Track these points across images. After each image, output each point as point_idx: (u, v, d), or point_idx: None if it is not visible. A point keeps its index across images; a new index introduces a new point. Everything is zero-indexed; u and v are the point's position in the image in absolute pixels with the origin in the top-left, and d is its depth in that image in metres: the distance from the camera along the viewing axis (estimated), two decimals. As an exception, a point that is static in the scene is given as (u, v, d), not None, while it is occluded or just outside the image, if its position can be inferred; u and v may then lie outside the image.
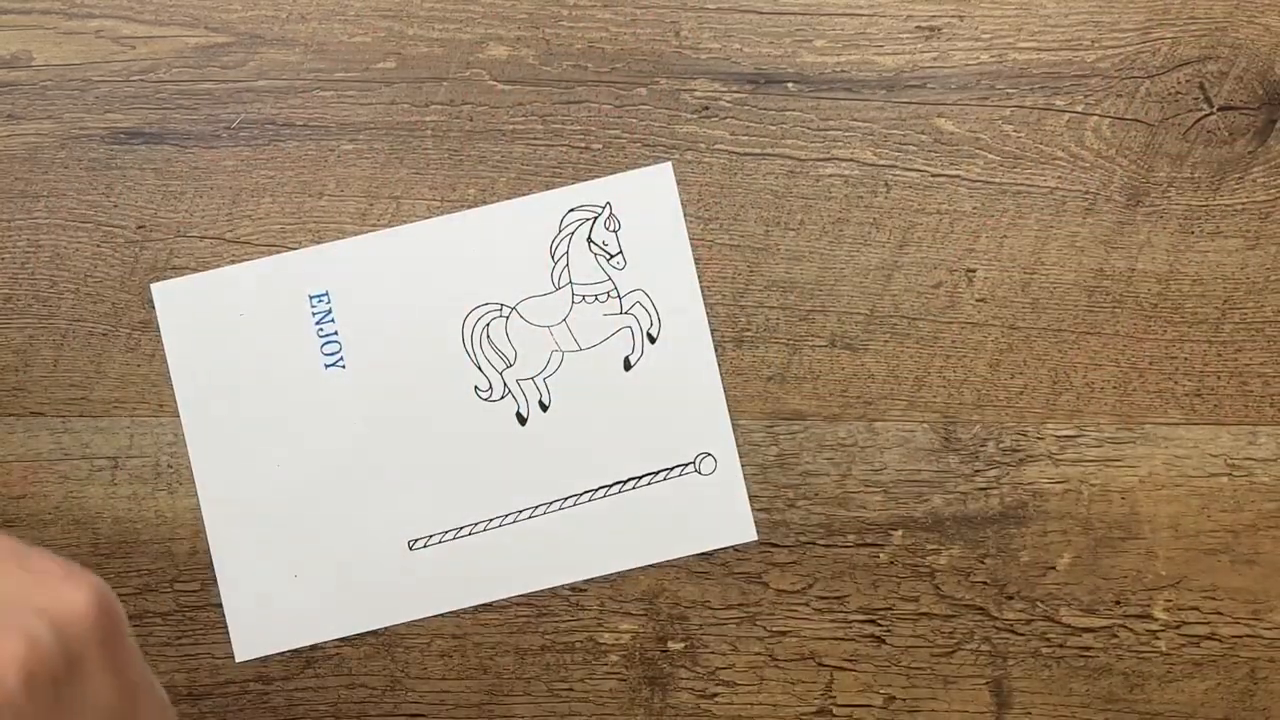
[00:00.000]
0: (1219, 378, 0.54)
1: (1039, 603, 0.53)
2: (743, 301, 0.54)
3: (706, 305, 0.54)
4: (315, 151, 0.54)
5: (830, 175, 0.54)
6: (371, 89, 0.54)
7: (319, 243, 0.54)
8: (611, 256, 0.54)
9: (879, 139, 0.54)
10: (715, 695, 0.53)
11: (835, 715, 0.53)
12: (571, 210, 0.54)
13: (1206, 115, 0.54)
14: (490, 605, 0.53)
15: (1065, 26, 0.54)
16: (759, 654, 0.53)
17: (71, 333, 0.54)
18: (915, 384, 0.54)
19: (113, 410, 0.54)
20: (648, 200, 0.54)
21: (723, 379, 0.54)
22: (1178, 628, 0.53)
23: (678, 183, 0.54)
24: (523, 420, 0.54)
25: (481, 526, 0.53)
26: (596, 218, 0.54)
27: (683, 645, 0.53)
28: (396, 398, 0.54)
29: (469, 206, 0.54)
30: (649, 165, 0.54)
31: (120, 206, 0.54)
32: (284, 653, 0.53)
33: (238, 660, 0.53)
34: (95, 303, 0.54)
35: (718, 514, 0.53)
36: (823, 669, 0.53)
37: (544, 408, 0.54)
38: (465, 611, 0.53)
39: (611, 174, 0.54)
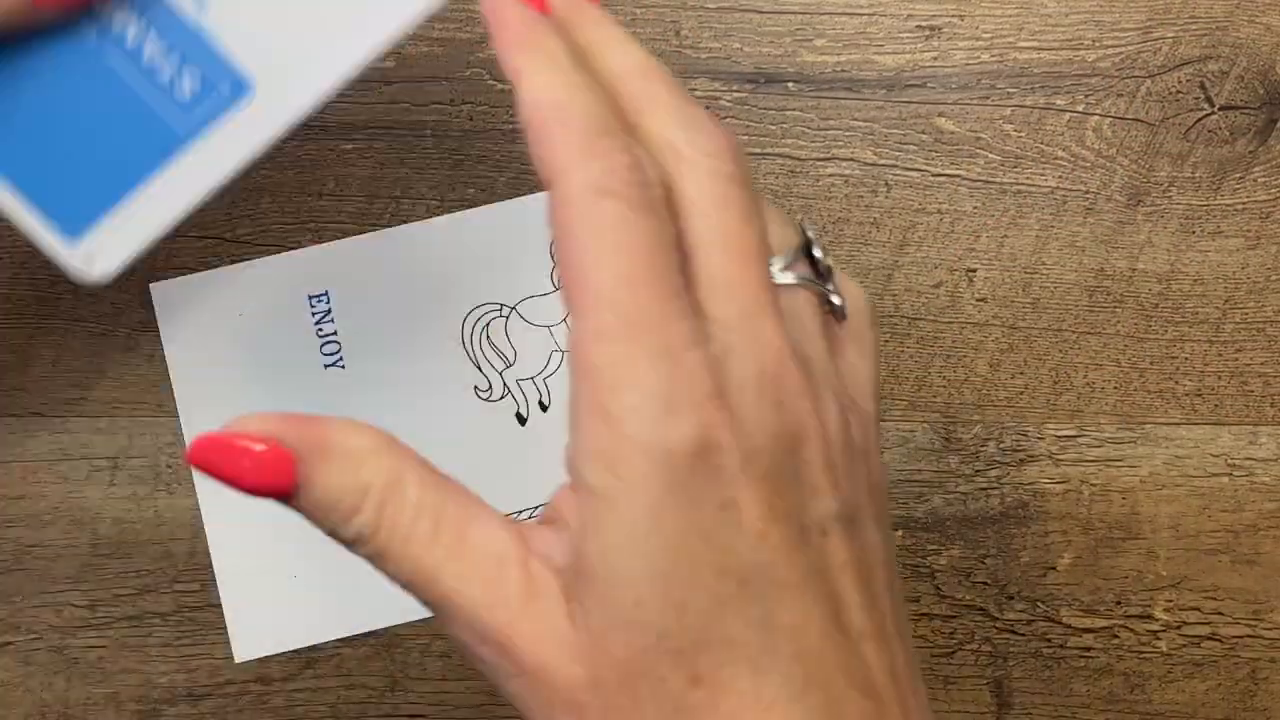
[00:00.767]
0: (1220, 378, 0.54)
1: (1039, 603, 0.53)
2: (743, 301, 0.54)
3: (706, 305, 0.54)
4: (315, 151, 0.54)
5: (830, 175, 0.54)
6: (371, 89, 0.54)
7: (319, 243, 0.54)
8: (611, 256, 0.54)
9: (879, 139, 0.54)
10: (715, 695, 0.53)
11: (835, 715, 0.53)
12: (571, 210, 0.54)
13: (1207, 115, 0.54)
14: (490, 605, 0.53)
15: (1066, 26, 0.54)
16: (759, 654, 0.53)
17: (71, 332, 0.54)
18: (915, 384, 0.54)
19: (112, 410, 0.54)
20: (648, 200, 0.54)
21: (723, 379, 0.54)
22: (1178, 628, 0.53)
23: (678, 182, 0.54)
24: (523, 420, 0.54)
25: (481, 527, 0.53)
26: (596, 217, 0.54)
27: (683, 645, 0.53)
28: (396, 398, 0.54)
29: (469, 206, 0.54)
30: (649, 165, 0.54)
31: (120, 206, 0.54)
32: (284, 653, 0.53)
33: (237, 661, 0.53)
34: (95, 303, 0.54)
35: (718, 514, 0.53)
36: (823, 669, 0.53)
37: (544, 408, 0.54)
38: (465, 612, 0.53)
39: (611, 174, 0.54)
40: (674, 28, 0.54)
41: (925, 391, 0.54)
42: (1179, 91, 0.54)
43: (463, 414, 0.54)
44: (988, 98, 0.54)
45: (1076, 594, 0.53)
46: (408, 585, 0.31)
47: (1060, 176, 0.54)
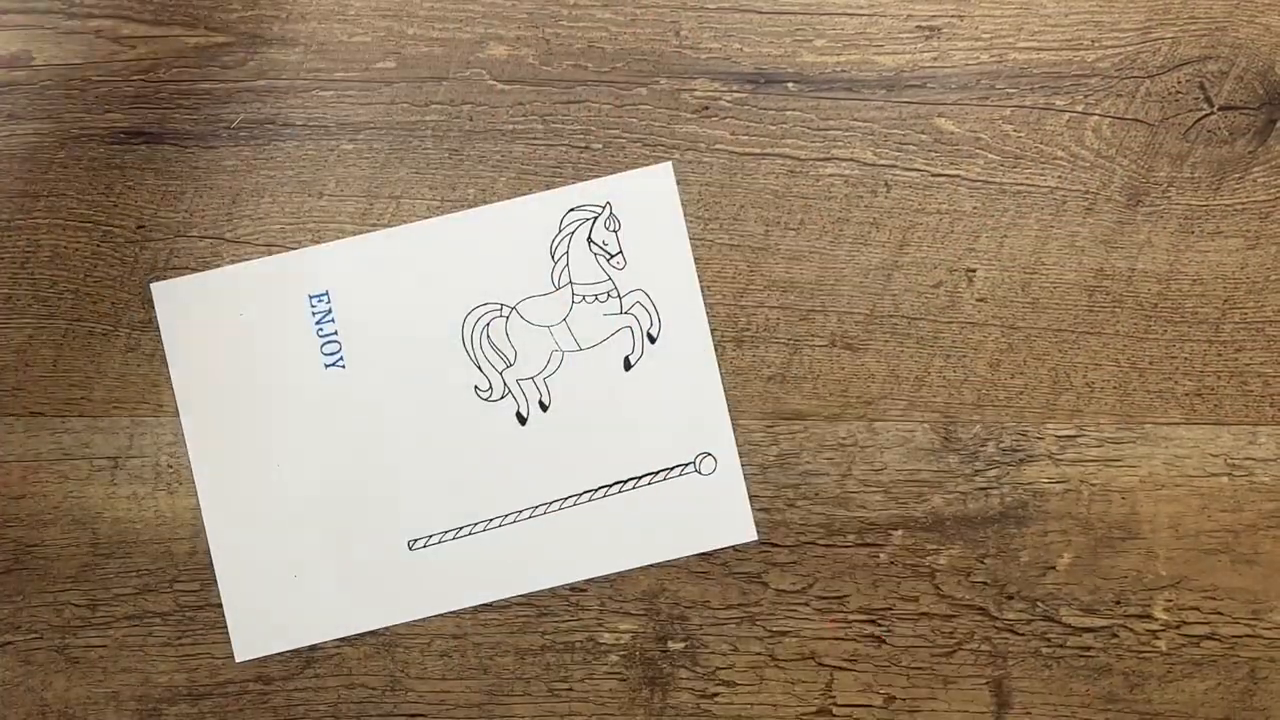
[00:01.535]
0: (1219, 377, 0.54)
1: (1039, 603, 0.53)
2: (743, 301, 0.54)
3: (706, 305, 0.54)
4: (315, 151, 0.54)
5: (830, 175, 0.54)
6: (371, 89, 0.54)
7: (319, 243, 0.54)
8: (611, 256, 0.54)
9: (879, 139, 0.54)
10: (715, 695, 0.53)
11: (835, 715, 0.53)
12: (571, 210, 0.54)
13: (1207, 115, 0.54)
14: (490, 605, 0.53)
15: (1065, 26, 0.54)
16: (759, 654, 0.53)
17: (71, 332, 0.54)
18: (915, 384, 0.54)
19: (112, 410, 0.54)
20: (648, 200, 0.54)
21: (723, 379, 0.54)
22: (1178, 628, 0.53)
23: (678, 182, 0.54)
24: (523, 420, 0.54)
25: (481, 526, 0.53)
26: (596, 217, 0.54)
27: (683, 645, 0.53)
28: (396, 398, 0.54)
29: (469, 206, 0.54)
30: (649, 165, 0.54)
31: (120, 206, 0.54)
32: (284, 653, 0.53)
33: (238, 660, 0.53)
34: (95, 302, 0.54)
35: (718, 514, 0.53)
36: (823, 669, 0.53)
37: (544, 408, 0.54)
38: (465, 611, 0.53)
39: (611, 174, 0.54)
40: (674, 28, 0.54)
41: (925, 391, 0.54)
42: (1178, 91, 0.54)
43: (463, 414, 0.54)
44: (987, 98, 0.54)
45: (1076, 594, 0.53)
46: None
47: (1060, 176, 0.54)
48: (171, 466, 0.54)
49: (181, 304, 0.54)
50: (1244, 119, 0.54)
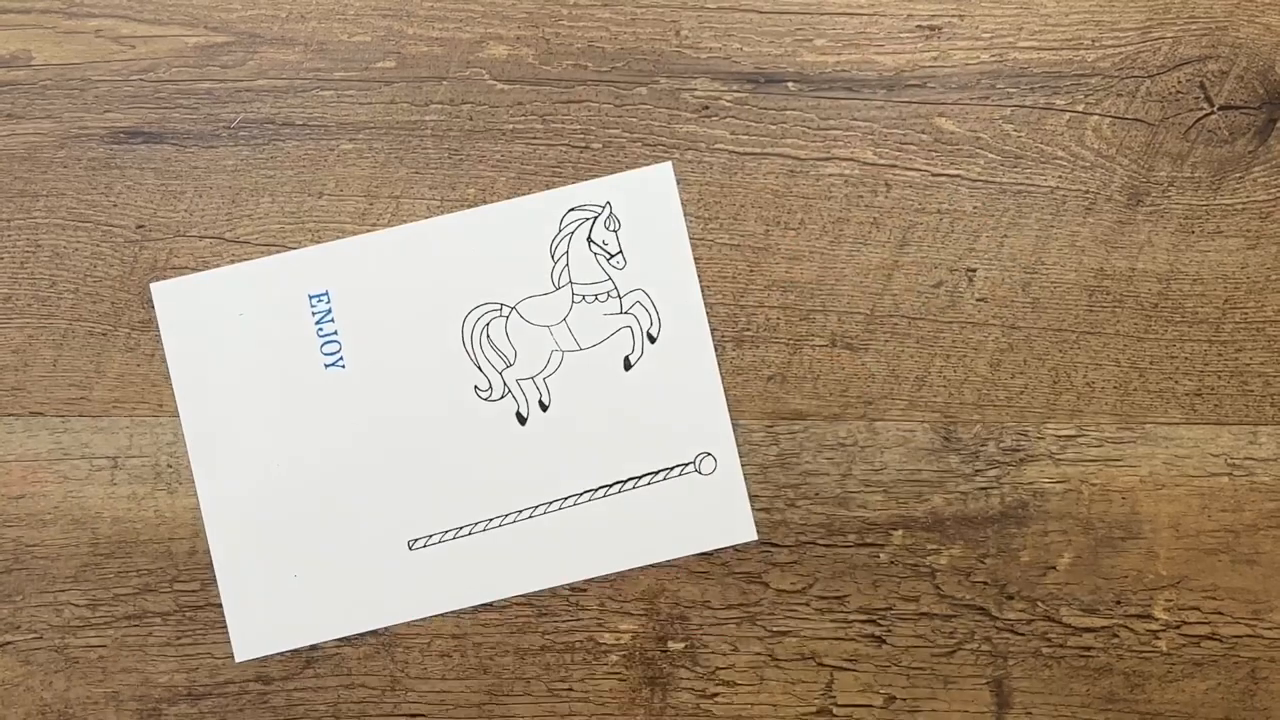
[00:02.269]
0: (1219, 377, 0.54)
1: (1039, 603, 0.53)
2: (743, 301, 0.54)
3: (706, 305, 0.54)
4: (315, 151, 0.54)
5: (830, 175, 0.54)
6: (371, 89, 0.54)
7: (319, 243, 0.54)
8: (611, 256, 0.54)
9: (879, 139, 0.54)
10: (715, 695, 0.53)
11: (835, 715, 0.53)
12: (571, 210, 0.54)
13: (1207, 115, 0.54)
14: (490, 605, 0.53)
15: (1065, 26, 0.54)
16: (759, 654, 0.53)
17: (71, 332, 0.54)
18: (915, 384, 0.54)
19: (112, 410, 0.54)
20: (648, 200, 0.54)
21: (723, 379, 0.54)
22: (1178, 628, 0.53)
23: (678, 182, 0.54)
24: (523, 420, 0.54)
25: (481, 526, 0.53)
26: (596, 217, 0.54)
27: (683, 645, 0.53)
28: (396, 398, 0.54)
29: (469, 206, 0.54)
30: (649, 165, 0.54)
31: (120, 206, 0.54)
32: (284, 653, 0.53)
33: (238, 660, 0.53)
34: (95, 302, 0.54)
35: (718, 514, 0.53)
36: (823, 669, 0.53)
37: (544, 408, 0.54)
38: (465, 611, 0.53)
39: (611, 174, 0.54)
40: (674, 28, 0.54)
41: (925, 391, 0.54)
42: (1179, 91, 0.54)
43: (463, 414, 0.54)
44: (987, 98, 0.54)
45: (1076, 594, 0.53)
46: None
47: (1060, 176, 0.54)
48: (171, 466, 0.54)
49: (181, 304, 0.54)
50: (1244, 119, 0.54)
